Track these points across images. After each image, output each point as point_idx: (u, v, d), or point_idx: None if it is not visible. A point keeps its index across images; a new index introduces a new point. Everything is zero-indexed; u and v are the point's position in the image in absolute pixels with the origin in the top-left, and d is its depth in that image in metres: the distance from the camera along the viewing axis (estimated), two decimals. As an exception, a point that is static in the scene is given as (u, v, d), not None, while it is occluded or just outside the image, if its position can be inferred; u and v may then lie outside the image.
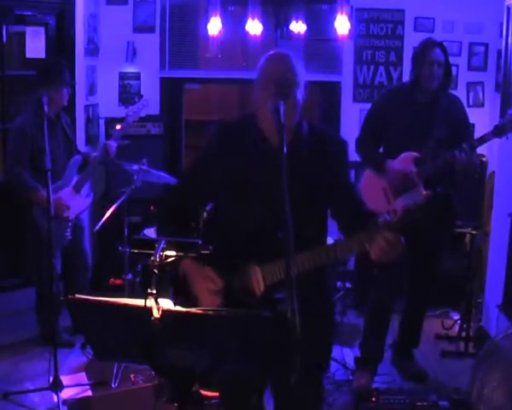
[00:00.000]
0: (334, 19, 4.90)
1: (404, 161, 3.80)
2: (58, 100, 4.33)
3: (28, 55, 4.98)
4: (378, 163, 3.94)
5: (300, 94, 2.33)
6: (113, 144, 4.46)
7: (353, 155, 5.09)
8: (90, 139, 5.49)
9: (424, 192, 3.74)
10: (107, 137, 5.14)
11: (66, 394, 3.80)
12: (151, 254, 2.29)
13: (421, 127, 3.83)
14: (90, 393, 3.89)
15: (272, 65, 2.34)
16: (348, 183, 2.55)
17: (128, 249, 4.27)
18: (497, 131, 3.64)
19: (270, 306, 2.17)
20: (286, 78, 2.28)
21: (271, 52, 2.40)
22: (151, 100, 5.01)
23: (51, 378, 3.72)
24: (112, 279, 5.01)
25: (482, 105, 5.57)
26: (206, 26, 5.03)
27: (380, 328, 4.11)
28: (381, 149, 4.09)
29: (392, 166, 3.83)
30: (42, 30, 5.01)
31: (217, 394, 3.36)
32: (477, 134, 4.00)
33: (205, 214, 3.47)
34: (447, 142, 3.79)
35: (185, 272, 2.43)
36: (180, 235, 2.52)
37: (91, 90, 5.52)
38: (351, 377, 4.12)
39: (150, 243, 2.16)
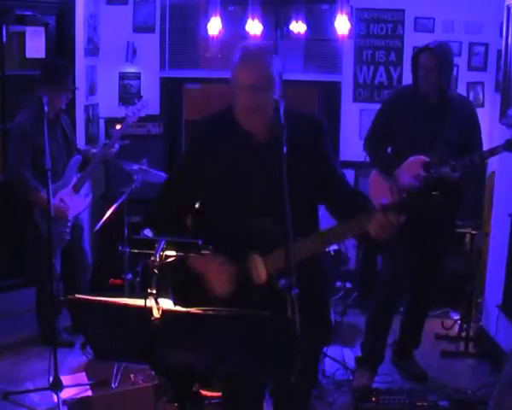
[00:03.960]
0: (334, 19, 4.90)
1: (412, 166, 3.78)
2: (57, 103, 4.31)
3: (28, 55, 4.97)
4: (386, 167, 3.92)
5: (275, 91, 2.33)
6: (115, 146, 4.49)
7: (354, 156, 5.18)
8: (90, 139, 5.49)
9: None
10: (108, 137, 5.15)
11: (66, 394, 3.80)
12: (151, 254, 2.28)
13: (431, 129, 3.80)
14: (90, 393, 3.88)
15: (245, 70, 2.35)
16: (333, 164, 2.46)
17: (128, 249, 4.27)
18: (509, 145, 3.62)
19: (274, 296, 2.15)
20: (259, 83, 2.30)
21: (243, 51, 2.38)
22: (151, 100, 5.01)
23: (51, 378, 3.71)
24: (112, 279, 5.00)
25: (482, 105, 5.56)
26: (206, 26, 5.04)
27: (382, 328, 4.10)
28: (388, 149, 4.08)
29: (401, 177, 3.78)
30: (42, 30, 5.00)
31: (217, 394, 3.36)
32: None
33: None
34: (457, 145, 3.77)
35: (195, 266, 2.40)
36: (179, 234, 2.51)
37: (91, 90, 5.52)
38: (351, 377, 4.11)
39: (150, 243, 2.16)
